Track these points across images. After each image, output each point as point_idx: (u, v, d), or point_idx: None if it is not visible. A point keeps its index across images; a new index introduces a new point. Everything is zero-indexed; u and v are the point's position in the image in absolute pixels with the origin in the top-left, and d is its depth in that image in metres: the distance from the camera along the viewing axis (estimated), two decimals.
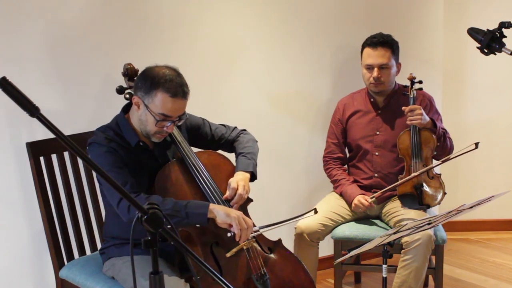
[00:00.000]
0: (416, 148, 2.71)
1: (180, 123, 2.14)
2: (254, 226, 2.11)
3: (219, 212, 1.97)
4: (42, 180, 2.29)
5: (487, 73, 4.09)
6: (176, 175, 2.12)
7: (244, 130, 2.45)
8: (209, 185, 2.13)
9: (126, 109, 2.17)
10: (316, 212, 2.25)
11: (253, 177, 2.26)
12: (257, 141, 2.42)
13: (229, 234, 2.03)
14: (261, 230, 2.13)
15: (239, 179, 2.17)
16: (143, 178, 2.11)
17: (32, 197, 2.34)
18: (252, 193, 2.29)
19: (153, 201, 1.82)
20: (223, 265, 2.03)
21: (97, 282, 2.14)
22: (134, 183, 2.01)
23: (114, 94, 2.24)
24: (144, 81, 2.03)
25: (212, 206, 1.98)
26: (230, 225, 1.98)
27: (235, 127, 2.44)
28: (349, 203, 2.83)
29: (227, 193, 2.14)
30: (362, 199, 2.74)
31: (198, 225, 2.02)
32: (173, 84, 1.99)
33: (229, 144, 2.38)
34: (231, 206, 2.11)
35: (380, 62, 2.77)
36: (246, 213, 2.23)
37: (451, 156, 2.67)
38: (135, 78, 2.13)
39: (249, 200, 2.27)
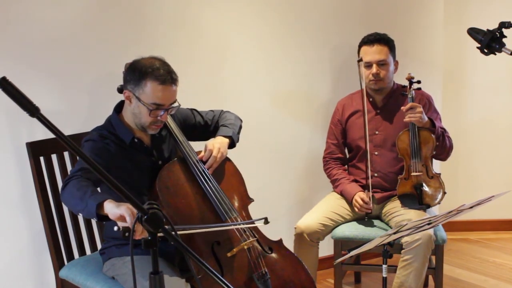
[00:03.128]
0: (415, 148, 2.71)
1: (173, 112, 2.14)
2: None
3: (109, 205, 1.74)
4: (42, 180, 2.29)
5: (487, 73, 4.09)
6: (177, 175, 2.12)
7: (228, 111, 2.48)
8: (210, 184, 2.12)
9: (118, 108, 2.17)
10: (266, 222, 2.05)
11: (232, 145, 2.30)
12: (241, 120, 2.46)
13: (115, 228, 1.70)
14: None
15: (216, 142, 2.22)
16: (142, 176, 2.11)
17: (32, 197, 2.34)
18: (252, 193, 2.29)
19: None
20: (224, 264, 2.03)
21: (97, 282, 2.14)
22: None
23: (115, 93, 2.23)
24: (132, 73, 2.03)
25: (107, 201, 1.76)
26: (122, 216, 1.69)
27: (222, 110, 2.47)
28: (349, 201, 2.83)
29: (202, 154, 2.18)
30: (363, 195, 2.74)
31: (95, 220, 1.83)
32: (160, 72, 2.00)
33: (217, 125, 2.41)
34: (207, 169, 2.15)
35: (378, 58, 2.78)
36: (246, 212, 2.23)
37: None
38: (123, 72, 2.12)
39: (249, 200, 2.28)
